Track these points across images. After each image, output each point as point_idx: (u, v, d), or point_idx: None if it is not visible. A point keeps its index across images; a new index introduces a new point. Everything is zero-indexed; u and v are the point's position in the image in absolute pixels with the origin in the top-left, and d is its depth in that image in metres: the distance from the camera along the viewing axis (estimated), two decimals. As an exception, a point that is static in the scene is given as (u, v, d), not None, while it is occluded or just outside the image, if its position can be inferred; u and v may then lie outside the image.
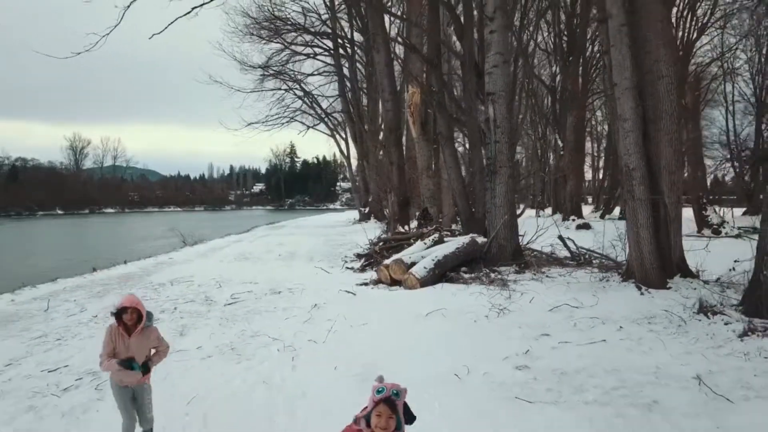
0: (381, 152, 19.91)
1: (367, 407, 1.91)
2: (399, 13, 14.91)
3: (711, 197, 22.28)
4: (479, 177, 9.84)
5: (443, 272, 8.18)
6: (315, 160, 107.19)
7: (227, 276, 10.05)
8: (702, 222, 16.15)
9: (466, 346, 5.08)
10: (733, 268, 6.71)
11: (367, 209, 25.51)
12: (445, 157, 11.63)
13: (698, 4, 20.33)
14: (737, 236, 14.81)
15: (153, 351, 3.21)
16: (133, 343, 3.08)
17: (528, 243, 9.91)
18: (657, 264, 6.75)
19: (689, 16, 20.32)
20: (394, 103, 13.84)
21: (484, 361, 4.59)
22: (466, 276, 8.22)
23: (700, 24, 20.78)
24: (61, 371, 4.76)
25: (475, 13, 10.96)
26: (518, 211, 25.93)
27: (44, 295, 8.60)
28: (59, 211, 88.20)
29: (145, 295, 8.21)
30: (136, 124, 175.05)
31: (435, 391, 4.01)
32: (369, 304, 7.05)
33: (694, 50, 21.80)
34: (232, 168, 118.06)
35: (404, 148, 21.06)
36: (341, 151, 29.02)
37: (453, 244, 8.89)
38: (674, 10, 17.33)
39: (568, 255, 10.21)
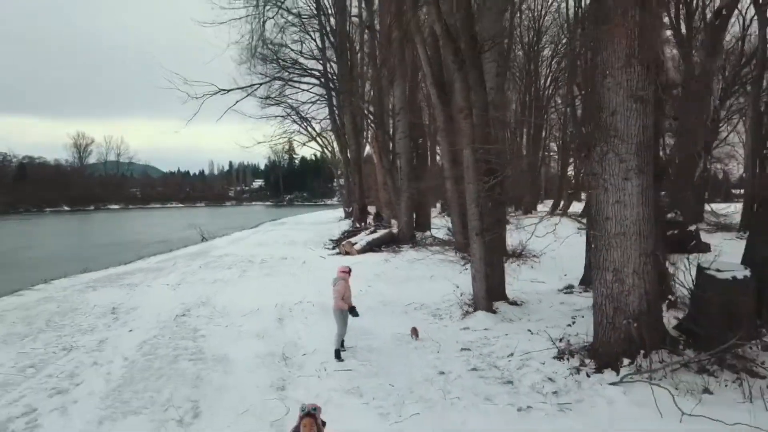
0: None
1: (296, 424, 3.52)
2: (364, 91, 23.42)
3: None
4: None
5: (371, 248, 16.69)
6: (313, 157, 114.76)
7: (254, 253, 18.53)
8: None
9: (362, 271, 13.56)
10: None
11: (351, 209, 33.96)
12: (389, 181, 20.09)
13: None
14: None
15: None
16: (350, 288, 7.38)
17: (424, 232, 18.40)
18: (464, 241, 15.19)
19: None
20: (356, 145, 22.31)
21: (364, 272, 13.09)
22: (384, 249, 16.73)
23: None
24: (207, 282, 13.24)
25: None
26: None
27: (161, 261, 17.19)
28: (66, 208, 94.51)
29: (219, 259, 16.78)
30: (136, 119, 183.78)
31: (359, 285, 12.50)
32: (330, 261, 15.58)
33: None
34: (231, 164, 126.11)
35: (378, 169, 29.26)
36: (330, 165, 37.50)
37: (379, 233, 17.43)
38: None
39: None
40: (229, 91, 17.88)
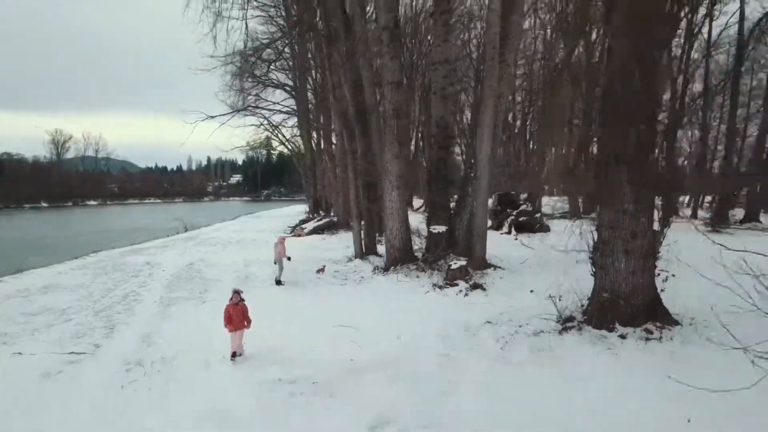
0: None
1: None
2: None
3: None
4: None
5: (316, 231, 24.34)
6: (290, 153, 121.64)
7: (232, 237, 26.07)
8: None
9: (305, 244, 21.23)
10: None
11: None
12: (333, 183, 27.71)
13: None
14: None
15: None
16: (284, 247, 15.56)
17: (357, 221, 26.12)
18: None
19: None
20: (311, 156, 29.96)
21: (306, 245, 20.75)
22: (325, 232, 24.39)
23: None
24: (201, 252, 20.73)
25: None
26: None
27: (163, 242, 24.64)
28: (44, 204, 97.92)
29: (207, 240, 24.30)
30: (113, 116, 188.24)
31: (298, 252, 20.14)
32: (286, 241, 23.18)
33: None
34: (209, 159, 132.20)
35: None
36: (298, 167, 45.05)
37: (324, 220, 25.09)
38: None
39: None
40: (214, 117, 25.27)
